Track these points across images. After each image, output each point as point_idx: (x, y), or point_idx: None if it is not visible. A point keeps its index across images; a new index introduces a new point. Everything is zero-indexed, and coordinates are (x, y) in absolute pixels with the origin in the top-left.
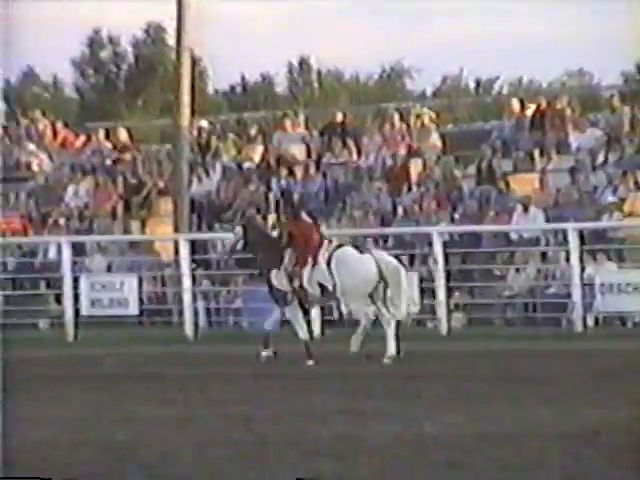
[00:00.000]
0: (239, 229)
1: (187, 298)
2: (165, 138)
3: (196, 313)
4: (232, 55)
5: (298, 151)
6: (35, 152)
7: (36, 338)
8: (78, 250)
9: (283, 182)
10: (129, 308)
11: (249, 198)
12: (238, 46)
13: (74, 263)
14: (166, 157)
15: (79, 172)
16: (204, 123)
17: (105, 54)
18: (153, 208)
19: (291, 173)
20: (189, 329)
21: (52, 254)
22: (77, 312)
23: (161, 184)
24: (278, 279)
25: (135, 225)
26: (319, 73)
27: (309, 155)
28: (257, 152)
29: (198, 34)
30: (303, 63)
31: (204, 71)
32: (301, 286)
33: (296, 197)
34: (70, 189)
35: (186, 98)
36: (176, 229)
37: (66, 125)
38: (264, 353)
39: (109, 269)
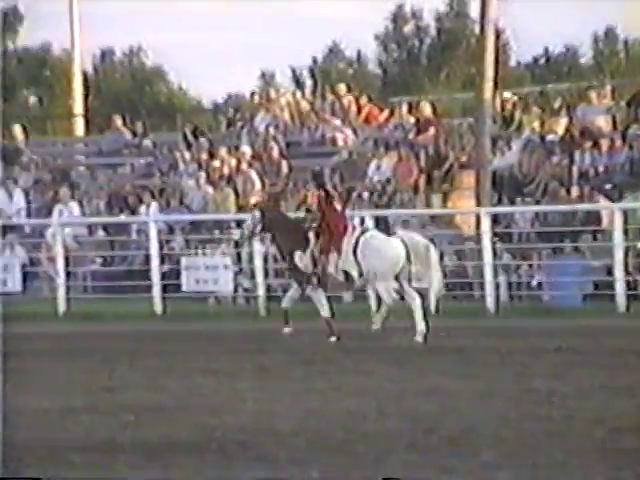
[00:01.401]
0: (257, 213)
1: (488, 272)
2: (467, 111)
3: (497, 287)
4: (535, 27)
5: (604, 123)
6: (340, 127)
7: (341, 310)
8: (380, 224)
9: (587, 155)
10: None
11: (551, 171)
12: (541, 18)
13: None
14: (468, 130)
15: (382, 147)
16: (507, 95)
17: (408, 28)
18: (455, 182)
19: (595, 145)
20: (490, 303)
21: None
22: None
23: (463, 158)
24: (303, 262)
25: (436, 199)
26: (626, 42)
27: (615, 127)
28: (561, 124)
29: (502, 6)
30: (609, 33)
31: (507, 43)
32: (324, 271)
33: (327, 181)
34: (373, 164)
35: (489, 71)
36: (478, 203)
37: (370, 100)
38: (286, 329)
39: None
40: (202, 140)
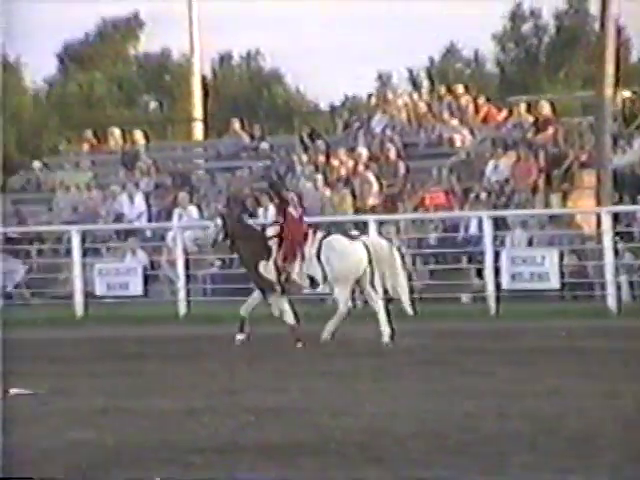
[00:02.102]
0: (218, 220)
1: (609, 272)
2: (587, 110)
3: (619, 287)
4: None
5: None
6: (457, 128)
7: (459, 312)
8: (499, 224)
9: None
10: (550, 282)
11: None
12: None
13: (495, 237)
14: (588, 129)
15: (500, 146)
16: (628, 93)
17: (526, 27)
18: (575, 181)
19: None
20: (612, 303)
21: (473, 229)
22: (498, 286)
23: (583, 157)
24: (266, 270)
25: (555, 198)
26: None
27: None
28: None
29: (622, 2)
30: None
31: (628, 40)
32: (287, 279)
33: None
34: (491, 164)
35: (610, 68)
36: (598, 202)
37: (488, 100)
38: (239, 337)
39: (530, 243)
40: (319, 142)
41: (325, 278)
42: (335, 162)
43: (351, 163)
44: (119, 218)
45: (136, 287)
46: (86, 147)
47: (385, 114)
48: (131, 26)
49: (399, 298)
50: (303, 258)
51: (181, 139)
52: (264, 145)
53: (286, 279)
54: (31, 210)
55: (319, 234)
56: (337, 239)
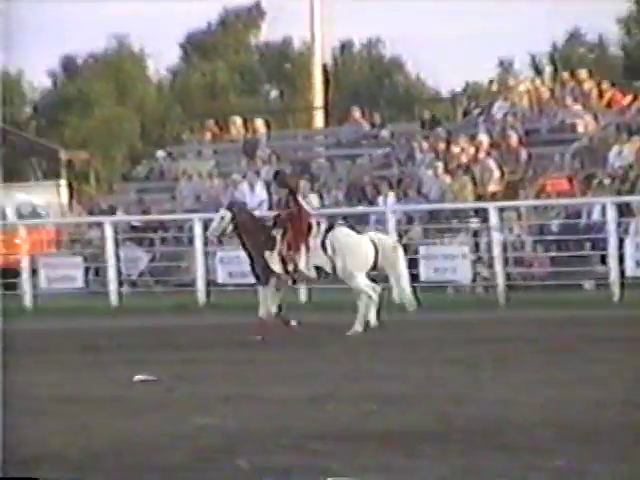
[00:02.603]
0: (227, 213)
1: None
2: None
3: None
4: None
5: None
6: (580, 113)
7: (581, 299)
8: (622, 211)
9: None
10: None
11: None
12: None
13: (618, 224)
14: None
15: (624, 132)
16: None
17: None
18: None
19: None
20: None
21: (596, 215)
22: (622, 273)
23: None
24: (272, 261)
25: None
26: None
27: None
28: None
29: None
30: None
31: None
32: (296, 269)
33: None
34: (615, 149)
35: None
36: None
37: (612, 84)
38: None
39: None
40: (439, 129)
41: (334, 269)
42: (455, 149)
43: (472, 150)
44: None
45: None
46: (208, 136)
47: (506, 100)
48: (253, 15)
49: (402, 294)
50: (308, 249)
51: (302, 127)
52: (384, 133)
53: (294, 270)
54: (154, 199)
55: (323, 225)
56: (348, 233)
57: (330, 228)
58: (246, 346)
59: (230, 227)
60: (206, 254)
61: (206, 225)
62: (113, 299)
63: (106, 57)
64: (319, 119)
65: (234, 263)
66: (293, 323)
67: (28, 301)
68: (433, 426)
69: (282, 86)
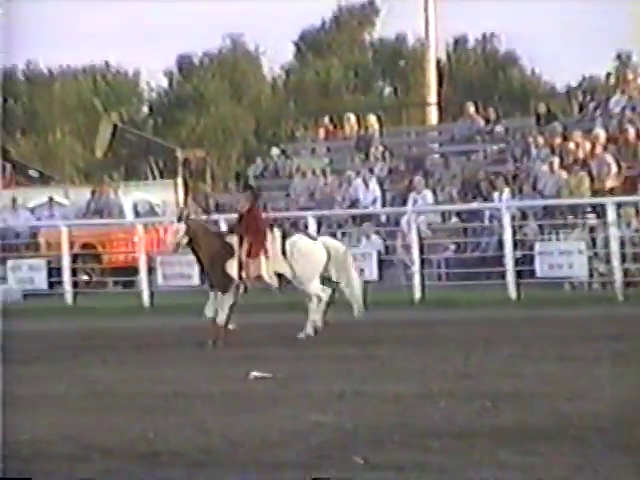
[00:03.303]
0: (181, 226)
1: None
2: None
3: None
4: None
5: None
6: None
7: None
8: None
9: None
10: None
11: None
12: None
13: None
14: None
15: None
16: None
17: None
18: None
19: None
20: None
21: None
22: None
23: None
24: (230, 268)
25: None
26: None
27: None
28: None
29: None
30: None
31: None
32: (257, 276)
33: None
34: None
35: None
36: None
37: None
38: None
39: None
40: (555, 124)
41: (294, 275)
42: (571, 144)
43: (588, 145)
44: (354, 203)
45: (371, 272)
46: (322, 133)
47: (624, 94)
48: (366, 12)
49: (351, 296)
50: (267, 255)
51: (415, 124)
52: (499, 128)
53: (256, 277)
54: (269, 196)
55: (277, 232)
56: (304, 239)
57: (284, 234)
58: (359, 343)
59: (185, 240)
60: None
61: (320, 222)
62: None
63: (221, 56)
64: (433, 115)
65: None
66: (231, 327)
67: (146, 299)
68: (548, 424)
69: (396, 83)
